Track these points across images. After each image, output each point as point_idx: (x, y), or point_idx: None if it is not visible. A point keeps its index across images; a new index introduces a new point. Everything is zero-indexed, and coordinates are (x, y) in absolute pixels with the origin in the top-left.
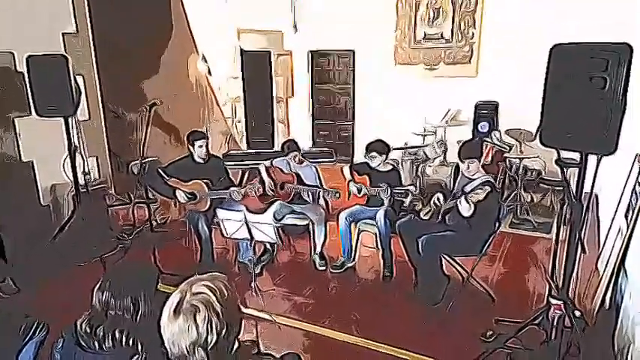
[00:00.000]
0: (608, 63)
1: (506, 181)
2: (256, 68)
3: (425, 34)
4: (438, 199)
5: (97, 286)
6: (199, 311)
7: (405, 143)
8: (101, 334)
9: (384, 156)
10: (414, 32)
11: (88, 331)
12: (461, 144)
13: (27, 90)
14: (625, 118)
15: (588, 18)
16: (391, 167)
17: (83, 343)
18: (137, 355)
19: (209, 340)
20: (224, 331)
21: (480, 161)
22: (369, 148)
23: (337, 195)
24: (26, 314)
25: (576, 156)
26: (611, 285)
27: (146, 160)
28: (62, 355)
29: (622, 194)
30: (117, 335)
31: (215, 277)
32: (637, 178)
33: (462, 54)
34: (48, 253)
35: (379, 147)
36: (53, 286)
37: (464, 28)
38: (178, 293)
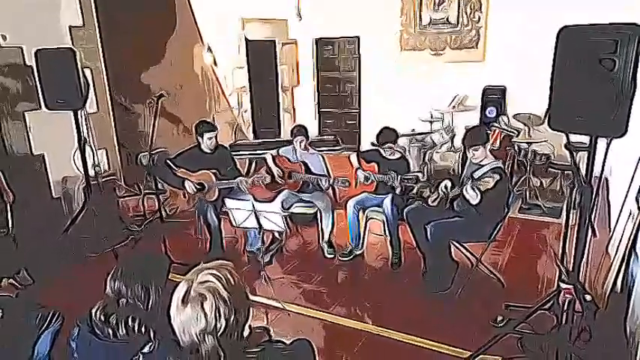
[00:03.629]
0: (617, 44)
1: (515, 166)
2: (261, 57)
3: (430, 19)
4: (446, 187)
5: (110, 274)
6: (206, 299)
7: (412, 130)
8: (114, 322)
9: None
10: (420, 17)
11: (102, 319)
12: (465, 131)
13: (36, 84)
14: (635, 99)
15: None
16: (400, 155)
17: (98, 332)
18: (150, 343)
19: (218, 326)
20: (232, 317)
21: (485, 147)
22: (380, 138)
23: (347, 183)
24: (41, 305)
25: (586, 139)
26: (622, 268)
27: (155, 151)
28: (78, 344)
29: (632, 177)
30: (130, 323)
31: (220, 264)
32: None
33: (469, 38)
34: (61, 244)
35: (390, 136)
36: (67, 277)
37: (470, 11)
38: (185, 283)
